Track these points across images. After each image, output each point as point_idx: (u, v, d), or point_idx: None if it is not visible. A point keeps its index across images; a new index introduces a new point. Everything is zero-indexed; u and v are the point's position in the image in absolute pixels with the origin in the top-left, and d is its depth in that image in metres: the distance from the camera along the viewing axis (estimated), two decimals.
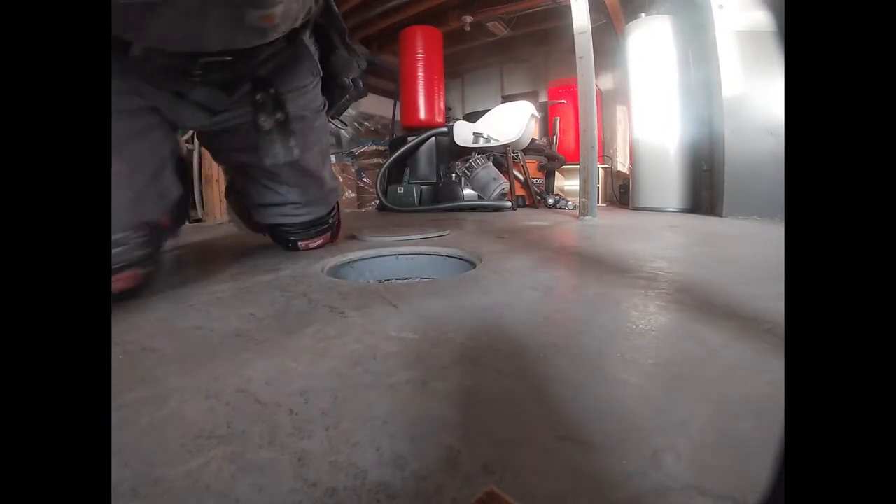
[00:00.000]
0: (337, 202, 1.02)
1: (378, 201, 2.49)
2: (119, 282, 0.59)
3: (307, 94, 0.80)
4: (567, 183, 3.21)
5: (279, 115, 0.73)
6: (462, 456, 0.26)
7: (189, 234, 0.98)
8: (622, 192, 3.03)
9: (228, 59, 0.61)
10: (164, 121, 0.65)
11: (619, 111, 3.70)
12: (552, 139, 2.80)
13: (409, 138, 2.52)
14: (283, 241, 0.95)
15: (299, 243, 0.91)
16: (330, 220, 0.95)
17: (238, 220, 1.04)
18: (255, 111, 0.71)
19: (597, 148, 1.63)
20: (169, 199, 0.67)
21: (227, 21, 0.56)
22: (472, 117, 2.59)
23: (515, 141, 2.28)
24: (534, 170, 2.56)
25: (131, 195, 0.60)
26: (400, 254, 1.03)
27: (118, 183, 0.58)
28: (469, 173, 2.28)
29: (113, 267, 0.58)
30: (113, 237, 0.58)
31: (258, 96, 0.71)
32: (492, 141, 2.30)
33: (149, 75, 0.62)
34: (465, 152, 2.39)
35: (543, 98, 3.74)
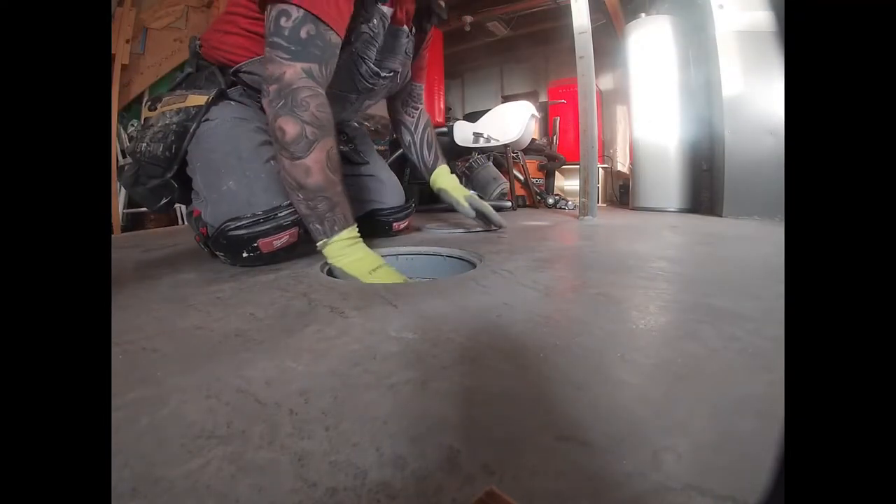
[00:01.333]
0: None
1: None
2: (287, 235, 0.84)
3: (361, 127, 1.32)
4: (567, 183, 3.21)
5: (351, 145, 1.18)
6: (462, 456, 0.26)
7: (188, 234, 0.98)
8: (622, 192, 3.03)
9: None
10: None
11: (619, 111, 3.70)
12: (552, 139, 2.80)
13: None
14: (382, 224, 1.19)
15: (394, 224, 1.20)
16: (412, 205, 1.27)
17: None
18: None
19: (597, 148, 1.63)
20: None
21: (356, 109, 1.11)
22: (472, 117, 2.58)
23: (515, 141, 2.27)
24: (534, 170, 2.56)
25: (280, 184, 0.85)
26: (400, 254, 1.03)
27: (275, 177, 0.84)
28: (469, 173, 2.27)
29: (284, 223, 0.82)
30: (283, 203, 0.83)
31: None
32: (492, 141, 2.30)
33: None
34: (465, 152, 2.39)
35: (543, 98, 3.74)
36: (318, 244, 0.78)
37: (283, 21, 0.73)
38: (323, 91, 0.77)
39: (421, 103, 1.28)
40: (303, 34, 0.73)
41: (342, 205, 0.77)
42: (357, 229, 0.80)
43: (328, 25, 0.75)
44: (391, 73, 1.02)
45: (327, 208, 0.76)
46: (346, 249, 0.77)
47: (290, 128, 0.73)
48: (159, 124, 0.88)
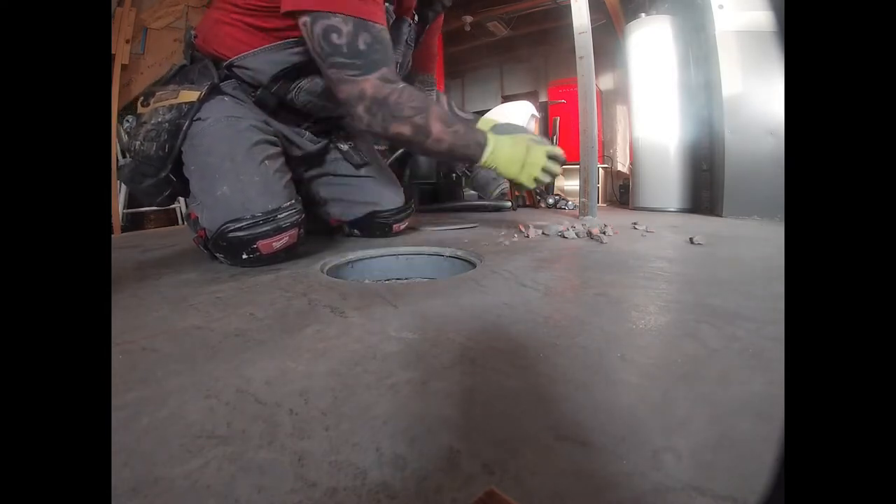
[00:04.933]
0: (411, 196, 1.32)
1: None
2: (287, 237, 0.84)
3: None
4: (567, 183, 3.21)
5: (350, 142, 1.16)
6: (462, 456, 0.26)
7: (188, 234, 0.98)
8: (622, 192, 3.03)
9: (325, 116, 1.06)
10: (283, 151, 0.97)
11: (619, 111, 3.70)
12: (552, 139, 2.80)
13: None
14: (382, 226, 1.18)
15: (394, 226, 1.19)
16: (411, 206, 1.25)
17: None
18: (335, 142, 1.14)
19: (597, 148, 1.63)
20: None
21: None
22: None
23: None
24: None
25: (284, 182, 0.88)
26: (400, 254, 1.03)
27: (276, 175, 0.87)
28: (469, 173, 2.27)
29: (283, 225, 0.83)
30: (282, 206, 0.83)
31: (332, 137, 1.13)
32: None
33: (288, 121, 1.01)
34: None
35: (543, 98, 3.73)
36: (483, 165, 0.90)
37: (334, 38, 0.73)
38: (401, 82, 0.80)
39: (432, 89, 1.23)
40: (361, 46, 0.74)
41: (472, 135, 0.87)
42: (490, 131, 0.91)
43: (375, 23, 0.75)
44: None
45: (465, 149, 0.87)
46: (496, 154, 0.89)
47: (406, 130, 0.79)
48: (152, 122, 0.86)
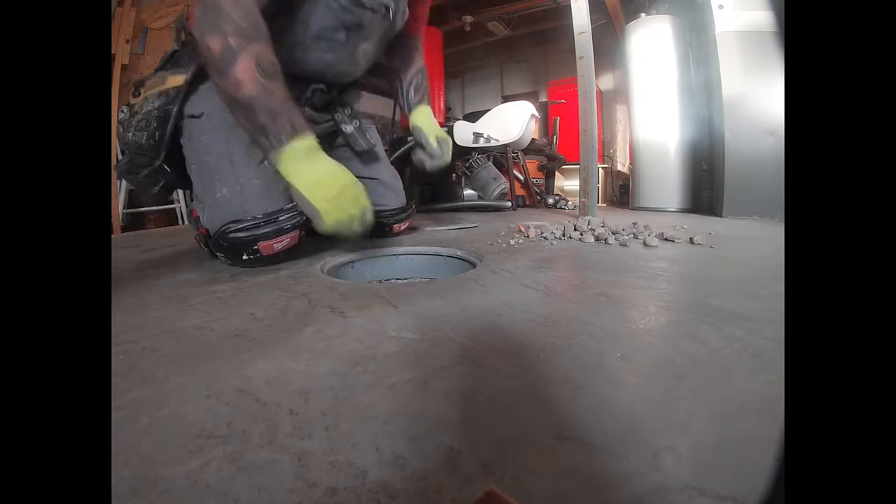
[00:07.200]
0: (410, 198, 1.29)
1: None
2: (288, 238, 0.82)
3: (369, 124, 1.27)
4: (567, 183, 3.21)
5: (356, 123, 1.08)
6: (462, 456, 0.26)
7: (188, 234, 0.98)
8: (622, 192, 3.03)
9: (324, 87, 0.98)
10: None
11: (619, 111, 3.70)
12: (552, 139, 2.80)
13: (409, 138, 2.51)
14: (382, 225, 1.12)
15: (394, 226, 1.15)
16: (412, 206, 1.23)
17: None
18: (338, 123, 1.04)
19: (597, 148, 1.63)
20: None
21: (352, 56, 0.98)
22: (472, 117, 2.58)
23: (515, 141, 2.27)
24: (534, 170, 2.56)
25: (285, 183, 0.78)
26: (400, 254, 1.03)
27: (277, 176, 0.76)
28: (469, 173, 2.27)
29: (285, 227, 0.81)
30: (283, 207, 0.81)
31: (337, 115, 1.05)
32: (492, 141, 2.30)
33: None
34: (465, 152, 2.40)
35: (543, 98, 3.73)
36: (274, 162, 0.71)
37: None
38: (252, 2, 0.70)
39: (419, 57, 1.25)
40: None
41: (287, 113, 0.70)
42: (315, 139, 0.72)
43: None
44: (381, 7, 0.92)
45: (269, 119, 0.68)
46: (302, 164, 0.70)
47: (214, 42, 0.67)
48: (143, 111, 0.86)
